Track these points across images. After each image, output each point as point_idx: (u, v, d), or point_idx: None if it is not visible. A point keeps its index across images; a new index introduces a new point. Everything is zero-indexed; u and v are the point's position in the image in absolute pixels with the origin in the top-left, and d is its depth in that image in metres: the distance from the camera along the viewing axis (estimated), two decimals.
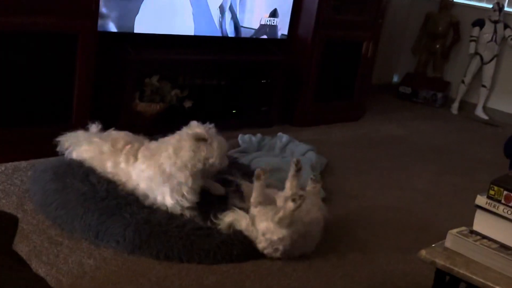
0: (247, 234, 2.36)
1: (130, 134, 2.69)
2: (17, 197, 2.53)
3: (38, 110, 2.92)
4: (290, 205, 2.26)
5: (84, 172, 2.54)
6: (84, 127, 2.79)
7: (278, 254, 2.34)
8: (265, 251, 2.34)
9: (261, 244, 2.34)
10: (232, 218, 2.38)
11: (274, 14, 4.12)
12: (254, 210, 2.37)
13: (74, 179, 2.49)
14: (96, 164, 2.58)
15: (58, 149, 2.69)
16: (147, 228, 2.26)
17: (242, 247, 2.34)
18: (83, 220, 2.30)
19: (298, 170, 2.45)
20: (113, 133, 2.71)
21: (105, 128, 2.80)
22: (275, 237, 2.30)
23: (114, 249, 2.24)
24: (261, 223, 2.32)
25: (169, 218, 2.34)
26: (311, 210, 2.42)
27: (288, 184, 2.43)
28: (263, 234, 2.31)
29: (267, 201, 2.41)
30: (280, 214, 2.27)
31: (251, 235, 2.35)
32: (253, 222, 2.34)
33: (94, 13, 2.95)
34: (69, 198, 2.38)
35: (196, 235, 2.29)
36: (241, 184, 2.63)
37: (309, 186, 2.60)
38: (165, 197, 2.41)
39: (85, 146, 2.65)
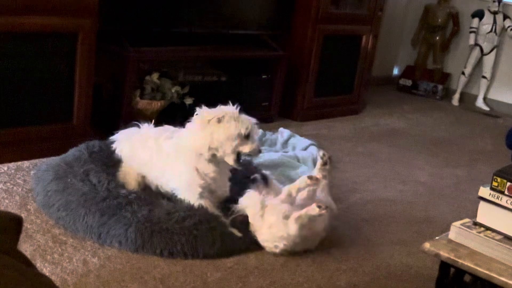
0: (251, 223, 2.36)
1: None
2: (20, 197, 2.53)
3: (39, 110, 2.92)
4: (315, 210, 2.25)
5: (84, 172, 2.53)
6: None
7: (276, 251, 2.34)
8: (265, 244, 2.35)
9: (262, 237, 2.34)
10: (246, 203, 2.38)
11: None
12: (268, 202, 2.37)
13: (75, 178, 2.49)
14: (138, 146, 2.57)
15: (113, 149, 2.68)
16: (148, 226, 2.26)
17: (244, 239, 2.35)
18: (84, 221, 2.29)
19: (325, 163, 2.48)
20: (168, 126, 2.68)
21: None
22: (279, 234, 2.30)
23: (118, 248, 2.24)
24: (271, 216, 2.32)
25: (168, 214, 2.34)
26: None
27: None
28: (269, 227, 2.32)
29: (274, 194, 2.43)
30: (302, 213, 2.27)
31: (255, 224, 2.36)
32: (262, 212, 2.34)
33: (93, 12, 2.95)
34: (70, 199, 2.38)
35: (198, 229, 2.29)
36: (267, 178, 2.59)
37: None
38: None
39: (136, 136, 2.62)
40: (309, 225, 2.33)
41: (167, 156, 2.47)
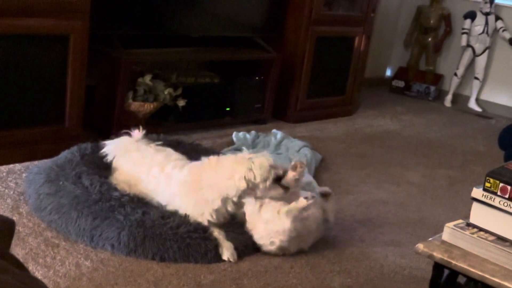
0: (248, 220, 2.38)
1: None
2: (12, 200, 2.52)
3: (31, 112, 2.90)
4: (303, 201, 2.29)
5: (76, 174, 2.51)
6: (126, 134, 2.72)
7: (273, 248, 2.35)
8: (261, 241, 2.35)
9: (258, 234, 2.35)
10: (246, 200, 2.40)
11: None
12: (263, 201, 2.38)
13: (67, 181, 2.47)
14: (140, 168, 2.54)
15: (105, 159, 2.65)
16: (141, 231, 2.24)
17: (237, 250, 2.34)
18: (77, 224, 2.28)
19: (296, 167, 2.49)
20: (168, 149, 2.67)
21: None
22: (275, 229, 2.31)
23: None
24: (267, 213, 2.34)
25: (162, 218, 2.32)
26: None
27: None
28: (265, 223, 2.33)
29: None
30: (291, 206, 2.29)
31: (252, 222, 2.37)
32: (259, 209, 2.36)
33: (85, 13, 2.94)
34: (63, 202, 2.36)
35: (191, 238, 2.27)
36: None
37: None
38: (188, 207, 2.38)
39: (135, 153, 2.60)
40: (302, 223, 2.34)
41: (179, 185, 2.42)
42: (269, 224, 2.32)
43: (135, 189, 2.51)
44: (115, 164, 2.62)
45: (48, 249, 2.18)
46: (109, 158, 2.65)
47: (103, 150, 2.69)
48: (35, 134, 2.93)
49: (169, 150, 2.65)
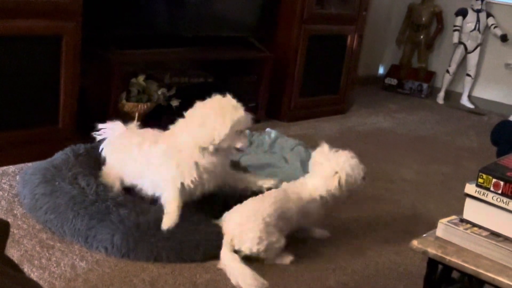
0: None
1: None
2: (6, 202, 2.51)
3: (24, 114, 2.90)
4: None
5: (73, 175, 2.51)
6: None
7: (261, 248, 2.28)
8: (256, 248, 2.30)
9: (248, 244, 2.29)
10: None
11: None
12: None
13: (63, 181, 2.47)
14: (121, 150, 2.52)
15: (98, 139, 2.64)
16: (136, 235, 2.23)
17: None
18: (72, 224, 2.28)
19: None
20: (147, 130, 2.63)
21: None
22: (251, 235, 2.26)
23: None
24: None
25: (156, 220, 2.31)
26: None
27: None
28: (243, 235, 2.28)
29: None
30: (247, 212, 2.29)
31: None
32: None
33: (78, 15, 2.93)
34: (59, 202, 2.36)
35: (184, 233, 2.28)
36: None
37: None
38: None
39: (119, 141, 2.59)
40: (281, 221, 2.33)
41: (158, 162, 2.39)
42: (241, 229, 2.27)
43: (123, 177, 2.50)
44: (104, 153, 2.61)
45: (43, 251, 2.18)
46: (101, 143, 2.63)
47: (97, 133, 2.66)
48: (28, 135, 2.92)
49: (149, 131, 2.60)
